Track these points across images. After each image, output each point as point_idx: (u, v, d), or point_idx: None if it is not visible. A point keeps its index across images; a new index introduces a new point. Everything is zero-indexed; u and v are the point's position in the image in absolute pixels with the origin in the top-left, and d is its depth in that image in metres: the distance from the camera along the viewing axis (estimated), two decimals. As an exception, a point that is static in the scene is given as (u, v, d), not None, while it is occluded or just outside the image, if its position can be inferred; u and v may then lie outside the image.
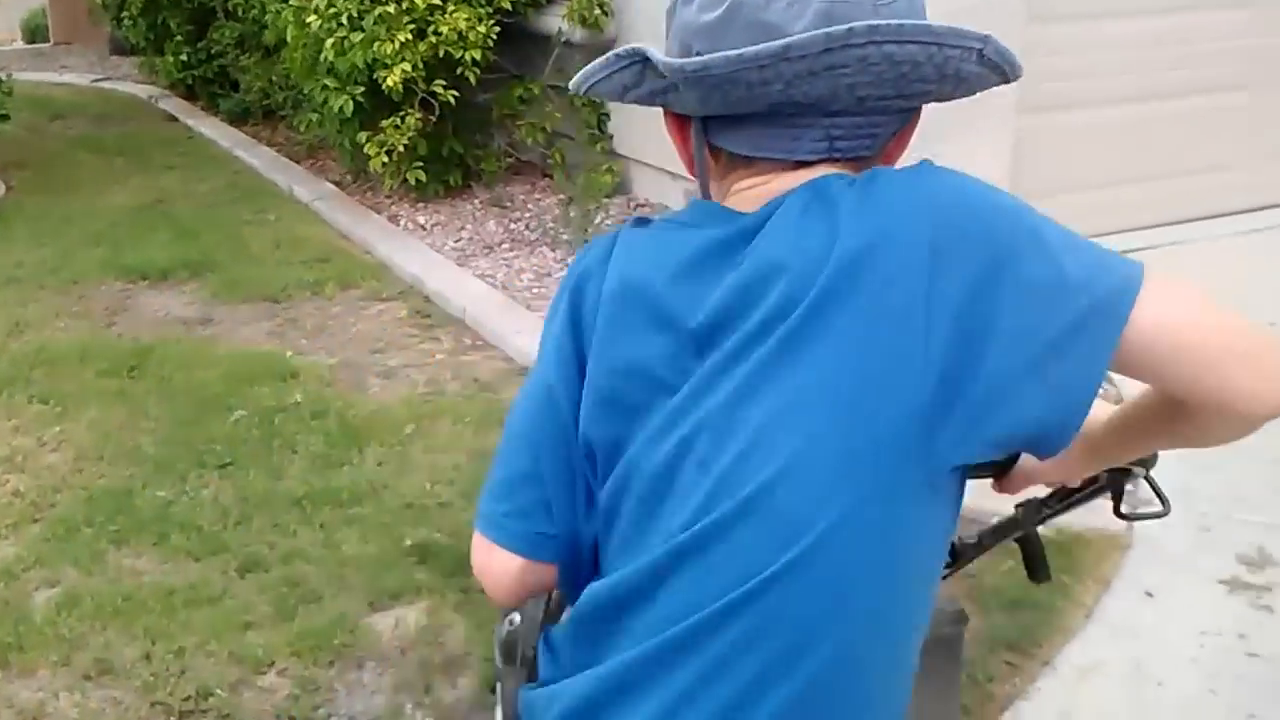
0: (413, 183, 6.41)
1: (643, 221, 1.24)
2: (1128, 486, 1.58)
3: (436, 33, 6.06)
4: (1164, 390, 1.15)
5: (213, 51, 8.64)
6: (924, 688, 1.65)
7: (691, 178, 1.26)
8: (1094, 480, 1.53)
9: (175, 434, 4.15)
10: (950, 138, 4.55)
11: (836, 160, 1.16)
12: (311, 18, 6.22)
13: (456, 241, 6.01)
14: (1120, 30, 4.78)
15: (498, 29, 6.17)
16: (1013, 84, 1.16)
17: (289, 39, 6.65)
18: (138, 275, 5.70)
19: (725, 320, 1.12)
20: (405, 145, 6.19)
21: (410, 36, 6.02)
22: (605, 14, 6.15)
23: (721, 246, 1.14)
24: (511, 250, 5.84)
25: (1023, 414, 1.07)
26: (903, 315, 1.05)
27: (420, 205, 6.53)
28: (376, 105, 6.32)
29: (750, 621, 1.09)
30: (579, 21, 6.13)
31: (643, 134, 6.23)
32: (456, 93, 6.19)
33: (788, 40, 1.07)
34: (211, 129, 8.57)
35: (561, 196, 6.35)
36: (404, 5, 6.03)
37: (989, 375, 1.05)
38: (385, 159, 6.20)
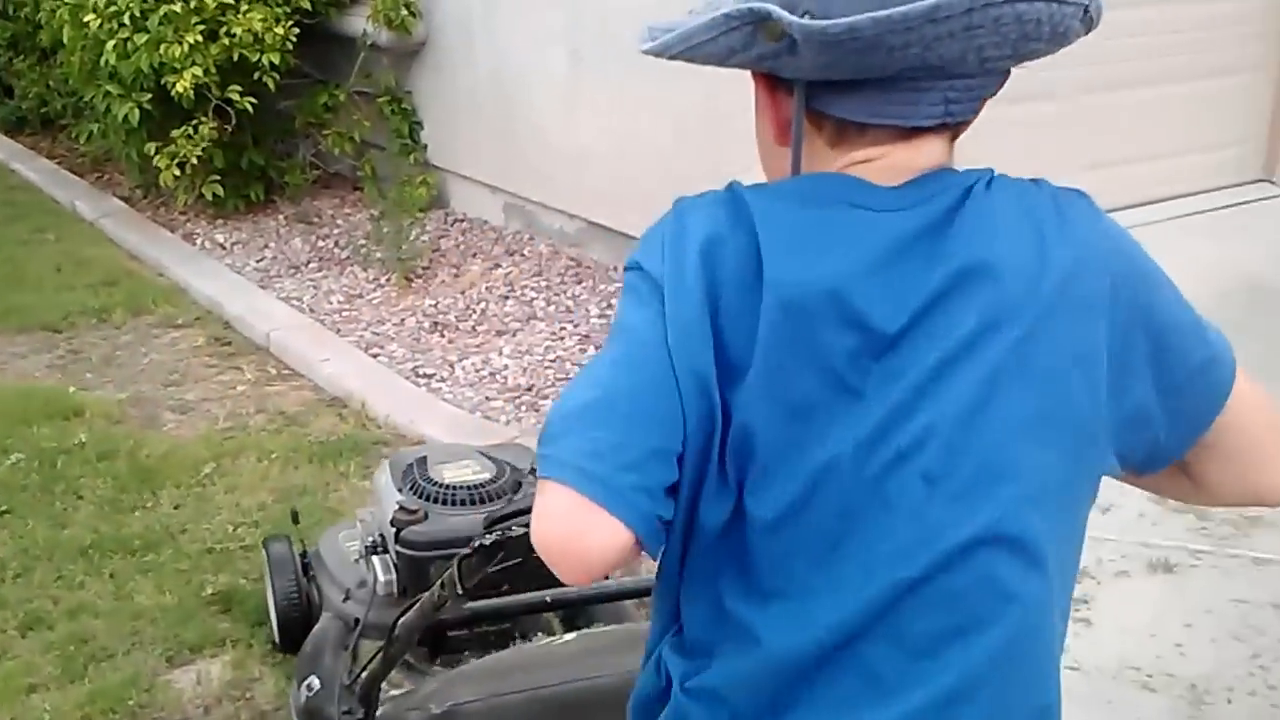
0: (209, 198, 6.29)
1: (748, 187, 1.20)
2: None
3: (230, 34, 5.97)
4: (1200, 460, 1.30)
5: (-21, 55, 8.32)
6: None
7: (783, 145, 1.23)
8: None
9: (-56, 481, 4.00)
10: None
11: (947, 125, 1.20)
12: (90, 17, 6.06)
13: (259, 261, 5.91)
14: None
15: (297, 31, 6.11)
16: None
17: (66, 40, 6.47)
18: (-104, 305, 5.47)
19: (928, 321, 1.14)
20: (200, 157, 6.07)
21: (201, 38, 5.91)
22: (413, 15, 6.14)
23: (915, 239, 1.16)
24: (319, 270, 5.77)
25: (1147, 436, 1.24)
26: (1095, 340, 1.18)
27: (219, 222, 6.42)
28: (166, 113, 6.19)
29: (1016, 658, 1.19)
30: (384, 23, 6.10)
31: (459, 144, 6.24)
32: (255, 99, 6.10)
33: (936, 0, 1.08)
34: (-20, 140, 8.26)
35: (373, 211, 6.31)
36: (192, 4, 5.92)
37: (1137, 397, 1.21)
38: (178, 172, 6.06)
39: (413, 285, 5.49)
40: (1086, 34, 1.18)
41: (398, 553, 2.53)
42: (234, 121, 6.11)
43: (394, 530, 2.51)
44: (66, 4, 6.46)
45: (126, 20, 5.99)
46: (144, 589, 3.39)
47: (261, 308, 5.34)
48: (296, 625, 2.92)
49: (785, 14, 1.11)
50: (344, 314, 5.26)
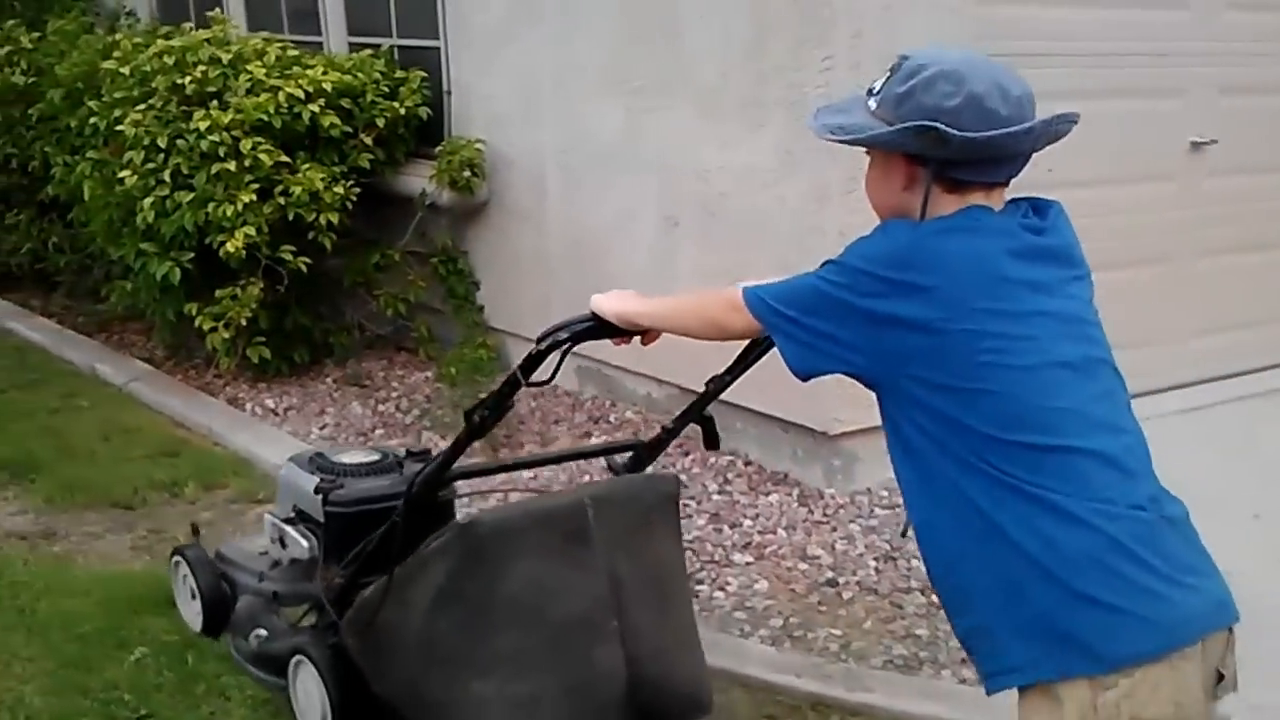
0: (255, 360, 6.01)
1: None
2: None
3: (285, 193, 5.78)
4: None
5: (-35, 208, 7.94)
6: (659, 531, 3.04)
7: (907, 191, 2.06)
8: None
9: (64, 680, 3.64)
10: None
11: (1007, 182, 2.06)
12: (125, 173, 5.84)
13: (321, 428, 5.63)
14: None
15: (358, 190, 5.95)
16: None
17: (88, 196, 6.23)
18: (-58, 479, 5.09)
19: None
20: (248, 318, 5.82)
21: (254, 197, 5.72)
22: (477, 176, 6.02)
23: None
24: (389, 436, 5.52)
25: None
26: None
27: (261, 386, 6.13)
28: (205, 273, 5.95)
29: None
30: (448, 184, 5.97)
31: (523, 306, 6.08)
32: (309, 260, 5.90)
33: (1031, 124, 1.98)
34: (-36, 297, 7.85)
35: (429, 374, 6.11)
36: (246, 162, 5.74)
37: None
38: (227, 334, 5.80)
39: (499, 454, 5.28)
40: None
41: (326, 514, 3.22)
42: (285, 282, 5.90)
43: (320, 496, 3.21)
44: (89, 160, 6.26)
45: (166, 177, 5.79)
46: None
47: (344, 479, 5.06)
48: (220, 611, 3.59)
49: (949, 130, 1.93)
50: (437, 486, 5.00)
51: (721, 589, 4.16)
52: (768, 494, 4.83)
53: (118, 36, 6.57)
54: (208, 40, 6.06)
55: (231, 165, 5.72)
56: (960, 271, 1.94)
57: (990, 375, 1.92)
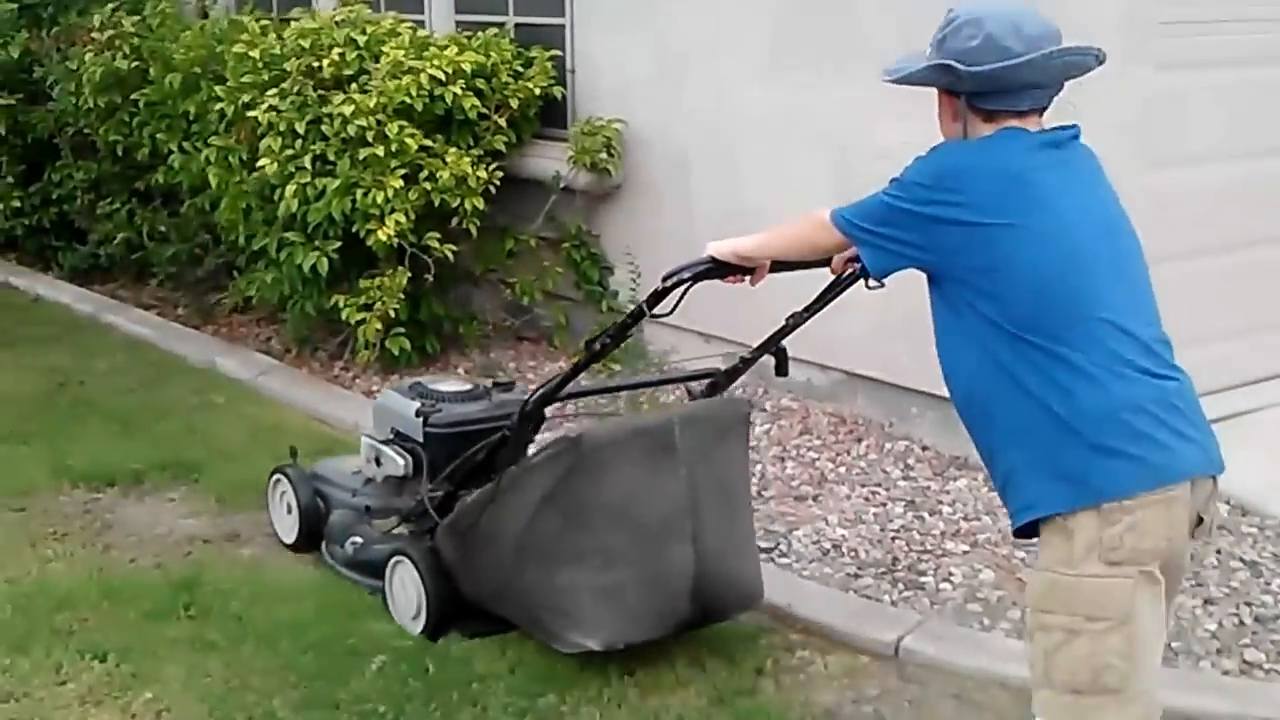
0: (395, 351, 5.88)
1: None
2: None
3: (431, 178, 5.66)
4: None
5: (53, 196, 7.77)
6: (732, 447, 3.54)
7: (955, 122, 2.49)
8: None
9: (312, 693, 3.54)
10: None
11: (1037, 109, 2.46)
12: (264, 161, 5.71)
13: (473, 418, 5.52)
14: (1212, 176, 4.94)
15: (500, 174, 5.84)
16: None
17: (214, 184, 6.10)
18: (102, 481, 4.93)
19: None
20: (394, 309, 5.71)
21: (401, 183, 5.60)
22: (614, 157, 5.89)
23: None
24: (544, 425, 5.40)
25: None
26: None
27: (392, 377, 5.96)
28: (346, 262, 5.84)
29: None
30: (586, 166, 5.85)
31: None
32: (455, 247, 5.78)
33: (1030, 56, 2.34)
34: (51, 289, 7.65)
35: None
36: (393, 147, 5.60)
37: None
38: (379, 326, 5.68)
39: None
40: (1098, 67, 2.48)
41: (426, 434, 3.79)
42: (432, 271, 5.77)
43: (420, 419, 3.77)
44: (212, 146, 6.14)
45: (307, 164, 5.66)
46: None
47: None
48: (315, 524, 4.16)
49: (960, 65, 2.36)
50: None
51: (947, 580, 4.09)
52: (955, 479, 4.76)
53: (244, 19, 6.41)
54: (338, 22, 5.92)
55: (379, 150, 5.58)
56: (992, 178, 2.36)
57: (1023, 259, 2.32)
